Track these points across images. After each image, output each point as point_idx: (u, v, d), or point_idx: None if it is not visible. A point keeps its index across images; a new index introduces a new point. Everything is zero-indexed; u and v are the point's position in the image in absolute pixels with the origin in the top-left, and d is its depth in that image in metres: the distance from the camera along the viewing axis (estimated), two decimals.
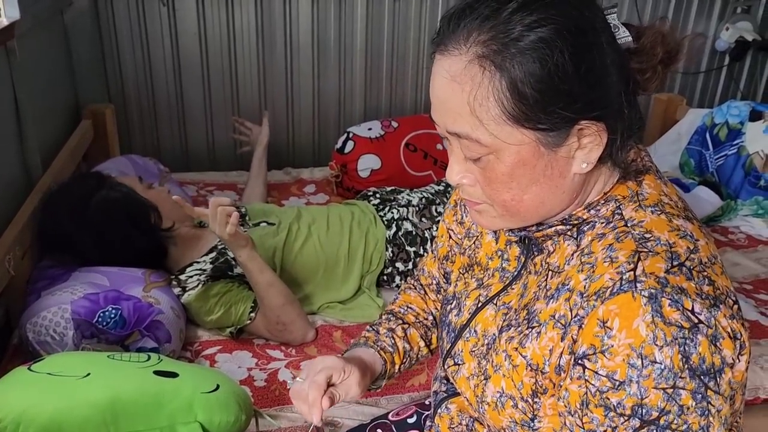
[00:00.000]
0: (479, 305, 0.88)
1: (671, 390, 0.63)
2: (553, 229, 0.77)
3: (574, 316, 0.70)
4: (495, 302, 0.86)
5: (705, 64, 2.90)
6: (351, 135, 2.21)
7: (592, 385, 0.67)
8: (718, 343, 0.64)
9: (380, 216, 1.74)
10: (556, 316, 0.73)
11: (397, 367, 1.01)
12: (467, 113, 0.68)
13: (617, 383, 0.65)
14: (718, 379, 0.64)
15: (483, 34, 0.66)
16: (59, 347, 1.21)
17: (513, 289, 0.84)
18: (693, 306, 0.64)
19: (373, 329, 1.03)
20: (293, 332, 1.45)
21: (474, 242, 0.95)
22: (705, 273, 0.68)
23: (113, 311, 1.25)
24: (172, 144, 2.50)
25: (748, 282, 1.79)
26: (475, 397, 0.85)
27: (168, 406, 0.99)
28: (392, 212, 1.74)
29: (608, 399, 0.66)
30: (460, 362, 0.89)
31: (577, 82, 0.66)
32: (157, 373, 1.04)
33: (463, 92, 0.68)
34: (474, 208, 0.78)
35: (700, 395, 0.63)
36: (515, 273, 0.85)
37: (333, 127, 2.60)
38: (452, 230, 1.01)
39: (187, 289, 1.49)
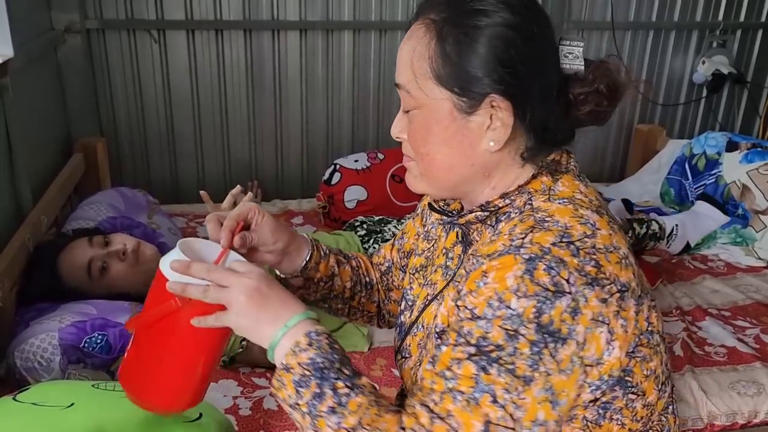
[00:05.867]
0: (426, 303, 0.94)
1: (513, 332, 0.69)
2: (474, 215, 0.84)
3: (467, 272, 0.78)
4: (438, 298, 0.91)
5: (684, 97, 2.98)
6: (338, 167, 2.26)
7: (457, 315, 0.75)
8: (575, 316, 0.70)
9: (365, 248, 1.77)
10: (457, 278, 0.82)
11: (320, 272, 1.01)
12: (408, 65, 0.81)
13: (474, 316, 0.72)
14: (558, 345, 0.69)
15: (441, 5, 0.79)
16: (46, 373, 1.23)
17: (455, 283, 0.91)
18: (569, 277, 0.70)
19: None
20: None
21: (432, 245, 1.01)
22: (594, 256, 0.73)
23: (100, 337, 1.28)
24: (163, 176, 2.54)
25: (726, 309, 1.83)
26: (413, 385, 0.90)
27: None
28: (375, 246, 1.77)
29: (463, 327, 0.73)
30: (407, 355, 0.95)
31: (489, 61, 0.77)
32: None
33: (410, 47, 0.81)
34: (406, 164, 0.88)
35: (537, 349, 0.69)
36: (456, 269, 0.91)
37: (321, 159, 2.64)
38: (414, 232, 1.08)
39: None
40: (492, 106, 0.78)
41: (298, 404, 0.75)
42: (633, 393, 0.78)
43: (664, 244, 2.00)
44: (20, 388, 1.11)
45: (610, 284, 0.72)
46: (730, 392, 1.46)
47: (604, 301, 0.71)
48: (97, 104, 2.39)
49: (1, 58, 1.67)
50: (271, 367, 1.49)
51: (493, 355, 0.70)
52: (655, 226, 2.00)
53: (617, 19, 2.73)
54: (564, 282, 0.70)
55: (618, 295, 0.73)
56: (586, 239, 0.74)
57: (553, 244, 0.72)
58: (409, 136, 0.84)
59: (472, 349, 0.71)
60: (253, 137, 2.57)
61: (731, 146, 2.37)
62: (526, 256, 0.71)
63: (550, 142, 0.83)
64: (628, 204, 2.33)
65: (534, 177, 0.82)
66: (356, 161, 2.28)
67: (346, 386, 0.75)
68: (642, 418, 0.81)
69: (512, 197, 0.81)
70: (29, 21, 1.92)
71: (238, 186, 2.01)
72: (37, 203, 1.77)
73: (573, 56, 0.81)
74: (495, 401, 0.69)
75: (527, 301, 0.69)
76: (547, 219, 0.76)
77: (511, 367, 0.69)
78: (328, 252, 1.05)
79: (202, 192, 1.47)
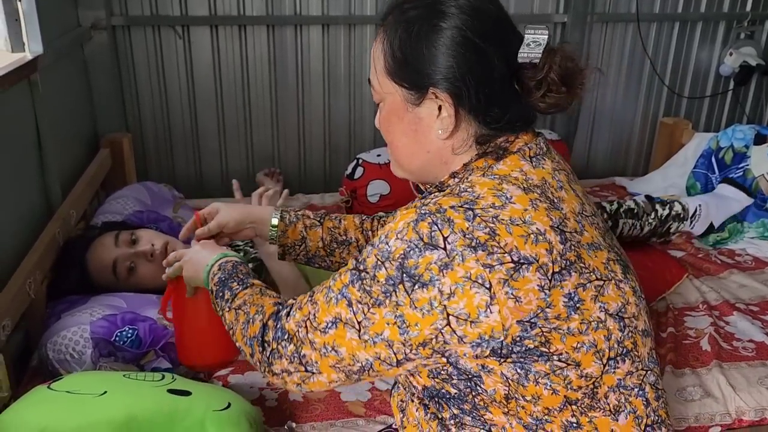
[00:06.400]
0: None
1: (380, 263, 0.82)
2: (433, 195, 0.91)
3: None
4: None
5: (710, 89, 2.94)
6: (360, 161, 2.27)
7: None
8: (444, 270, 0.78)
9: None
10: None
11: (290, 238, 1.25)
12: (373, 63, 0.93)
13: (371, 244, 0.86)
14: (416, 286, 0.79)
15: (398, 8, 0.91)
16: (78, 365, 1.26)
17: None
18: (449, 235, 0.79)
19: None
20: None
21: None
22: (492, 225, 0.80)
23: (130, 331, 1.30)
24: (187, 171, 2.57)
25: (755, 303, 1.80)
26: None
27: (181, 424, 1.03)
28: None
29: (360, 253, 0.87)
30: None
31: (427, 58, 0.87)
32: (171, 391, 1.08)
33: (374, 48, 0.93)
34: (388, 151, 1.00)
35: (392, 282, 0.80)
36: None
37: (343, 153, 2.65)
38: None
39: None
40: (436, 98, 0.87)
41: (220, 311, 1.03)
42: (560, 361, 0.81)
43: (688, 225, 1.95)
44: (53, 378, 1.14)
45: (502, 253, 0.78)
46: (759, 387, 1.44)
47: (488, 266, 0.78)
48: (122, 100, 2.42)
49: (31, 55, 1.70)
50: None
51: (362, 274, 0.83)
52: (678, 207, 1.96)
53: (642, 10, 2.69)
54: (441, 238, 0.79)
55: (511, 265, 0.78)
56: (490, 209, 0.81)
57: (452, 207, 0.81)
58: (380, 126, 0.97)
59: (354, 264, 0.86)
60: (276, 132, 2.59)
61: (759, 139, 2.32)
62: (422, 211, 0.81)
63: (503, 129, 0.89)
64: (651, 200, 2.31)
65: (480, 157, 0.89)
66: (379, 156, 2.28)
67: (238, 285, 1.03)
68: (580, 388, 0.83)
69: (459, 175, 0.90)
70: (57, 18, 1.95)
71: (261, 188, 1.94)
72: (66, 198, 1.80)
73: (536, 44, 0.85)
74: (349, 305, 0.84)
75: (401, 243, 0.80)
76: (467, 189, 0.84)
77: (368, 288, 0.82)
78: (296, 219, 1.26)
79: (234, 181, 1.57)
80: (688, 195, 2.50)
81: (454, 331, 0.79)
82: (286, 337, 0.89)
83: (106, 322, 1.31)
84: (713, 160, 2.44)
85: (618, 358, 0.85)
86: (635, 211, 1.89)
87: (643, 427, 0.88)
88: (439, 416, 0.89)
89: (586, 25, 2.66)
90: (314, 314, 0.87)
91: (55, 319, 1.39)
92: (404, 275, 0.80)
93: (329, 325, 0.85)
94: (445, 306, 0.79)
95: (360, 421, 1.32)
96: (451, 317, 0.79)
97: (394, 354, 0.83)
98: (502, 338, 0.79)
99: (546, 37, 0.85)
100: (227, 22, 2.40)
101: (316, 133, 2.62)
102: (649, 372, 0.90)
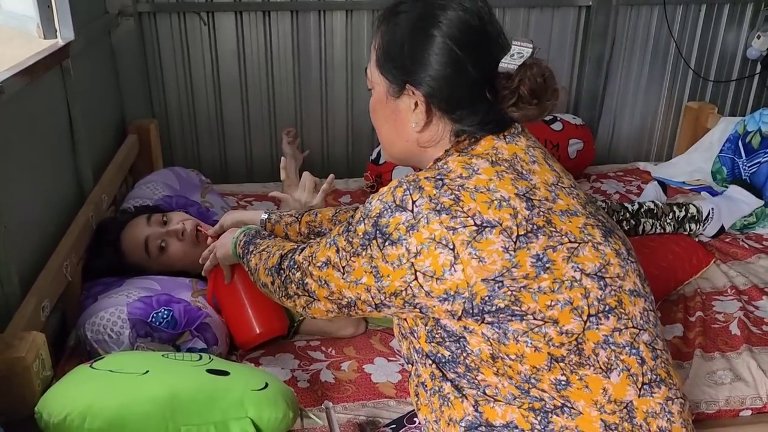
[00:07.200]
0: None
1: (363, 220, 0.93)
2: None
3: None
4: None
5: (736, 73, 2.90)
6: None
7: None
8: (411, 231, 0.87)
9: None
10: None
11: (278, 236, 1.35)
12: (370, 53, 1.01)
13: (362, 204, 0.96)
14: (387, 243, 0.89)
15: (394, 6, 0.98)
16: (116, 345, 1.28)
17: None
18: (417, 200, 0.88)
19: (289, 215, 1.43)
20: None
21: None
22: (457, 192, 0.88)
23: (165, 312, 1.32)
24: (212, 157, 2.59)
25: None
26: None
27: (221, 403, 1.05)
28: None
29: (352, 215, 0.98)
30: None
31: (407, 57, 0.94)
32: (210, 371, 1.10)
33: (373, 39, 1.00)
34: None
35: (367, 237, 0.91)
36: None
37: (366, 139, 2.66)
38: None
39: None
40: (413, 94, 0.95)
41: (246, 263, 1.20)
42: (536, 319, 0.86)
43: (701, 227, 2.00)
44: (93, 358, 1.17)
45: (465, 217, 0.86)
46: None
47: (451, 228, 0.85)
48: (148, 87, 2.44)
49: (62, 41, 1.72)
50: (327, 340, 1.53)
51: (349, 227, 0.95)
52: (693, 210, 2.03)
53: None
54: (410, 202, 0.88)
55: (474, 228, 0.85)
56: (457, 179, 0.89)
57: (426, 177, 0.90)
58: (369, 112, 1.04)
59: (348, 218, 0.97)
60: (300, 118, 2.60)
61: None
62: (402, 180, 0.91)
63: (475, 128, 0.95)
64: (663, 186, 2.30)
65: (458, 143, 0.97)
66: None
67: (261, 239, 1.20)
68: (563, 344, 0.86)
69: (442, 159, 0.96)
70: (86, 5, 1.97)
71: (283, 173, 1.90)
72: (97, 183, 1.83)
73: (519, 56, 0.90)
74: (337, 251, 0.96)
75: (380, 204, 0.90)
76: (443, 166, 0.93)
77: (351, 239, 0.93)
78: (279, 219, 1.41)
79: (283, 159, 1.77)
80: (713, 180, 2.49)
81: (422, 286, 0.88)
82: (295, 266, 1.04)
83: (142, 303, 1.34)
84: (740, 144, 2.41)
85: (600, 315, 0.88)
86: (654, 211, 1.99)
87: (639, 386, 0.90)
88: (439, 389, 0.96)
89: (611, 8, 2.63)
90: (315, 253, 1.00)
91: (91, 300, 1.42)
92: (377, 232, 0.90)
93: (323, 264, 0.98)
94: (412, 263, 0.87)
95: (391, 402, 1.34)
96: (418, 273, 0.87)
97: (372, 298, 0.93)
98: (469, 296, 0.86)
99: (529, 50, 0.90)
100: (251, 8, 2.40)
101: (338, 119, 2.63)
102: (642, 331, 0.92)
